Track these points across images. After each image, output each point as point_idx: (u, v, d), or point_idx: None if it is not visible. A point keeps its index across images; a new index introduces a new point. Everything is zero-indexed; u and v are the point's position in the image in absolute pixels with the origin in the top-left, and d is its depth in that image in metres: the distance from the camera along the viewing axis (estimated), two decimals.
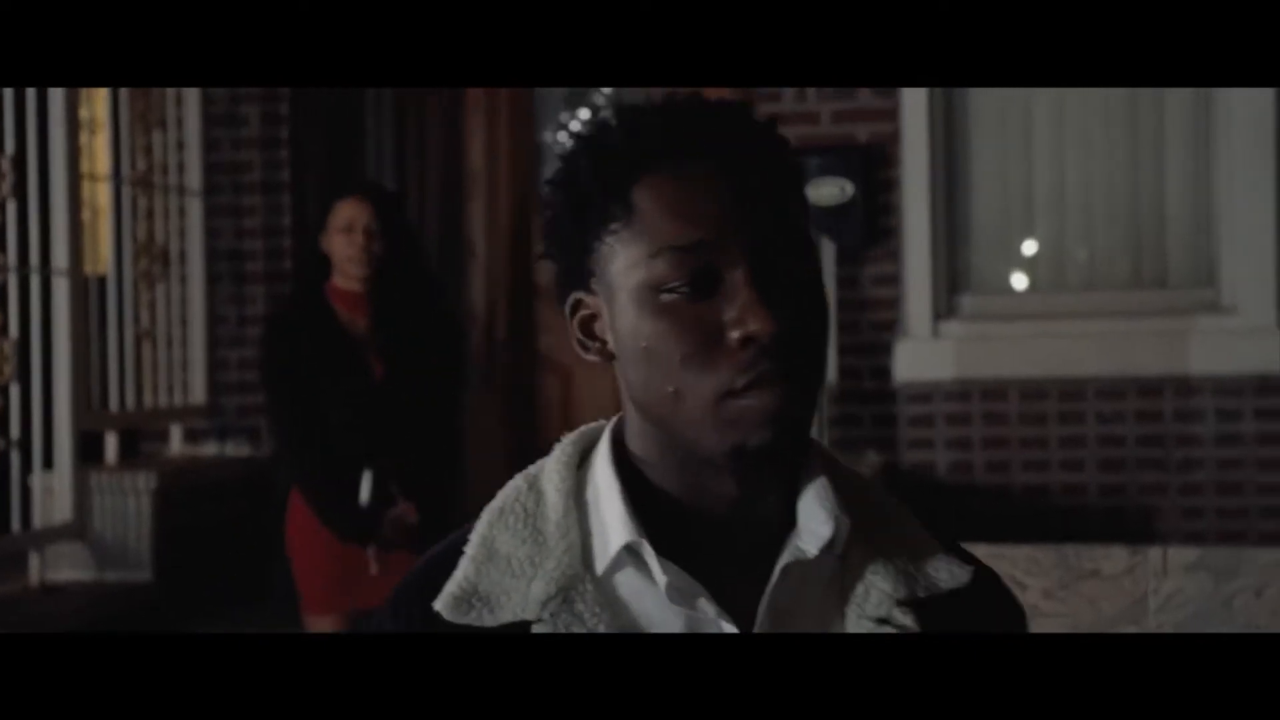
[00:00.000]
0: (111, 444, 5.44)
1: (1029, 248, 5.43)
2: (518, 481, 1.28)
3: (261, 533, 5.63)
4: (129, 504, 5.11)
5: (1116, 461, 5.16)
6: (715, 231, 1.17)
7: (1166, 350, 5.11)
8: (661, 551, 1.19)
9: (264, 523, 5.61)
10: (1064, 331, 5.21)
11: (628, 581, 1.21)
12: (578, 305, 1.26)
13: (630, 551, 1.20)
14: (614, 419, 1.29)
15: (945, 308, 5.30)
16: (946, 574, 1.25)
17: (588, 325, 1.25)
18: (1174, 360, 5.10)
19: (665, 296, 1.18)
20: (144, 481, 5.14)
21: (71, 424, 5.01)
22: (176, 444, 5.77)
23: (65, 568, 5.06)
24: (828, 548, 1.21)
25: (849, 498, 1.24)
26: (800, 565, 1.20)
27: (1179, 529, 5.03)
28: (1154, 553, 3.98)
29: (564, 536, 1.22)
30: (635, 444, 1.25)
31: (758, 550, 1.21)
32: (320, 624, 4.05)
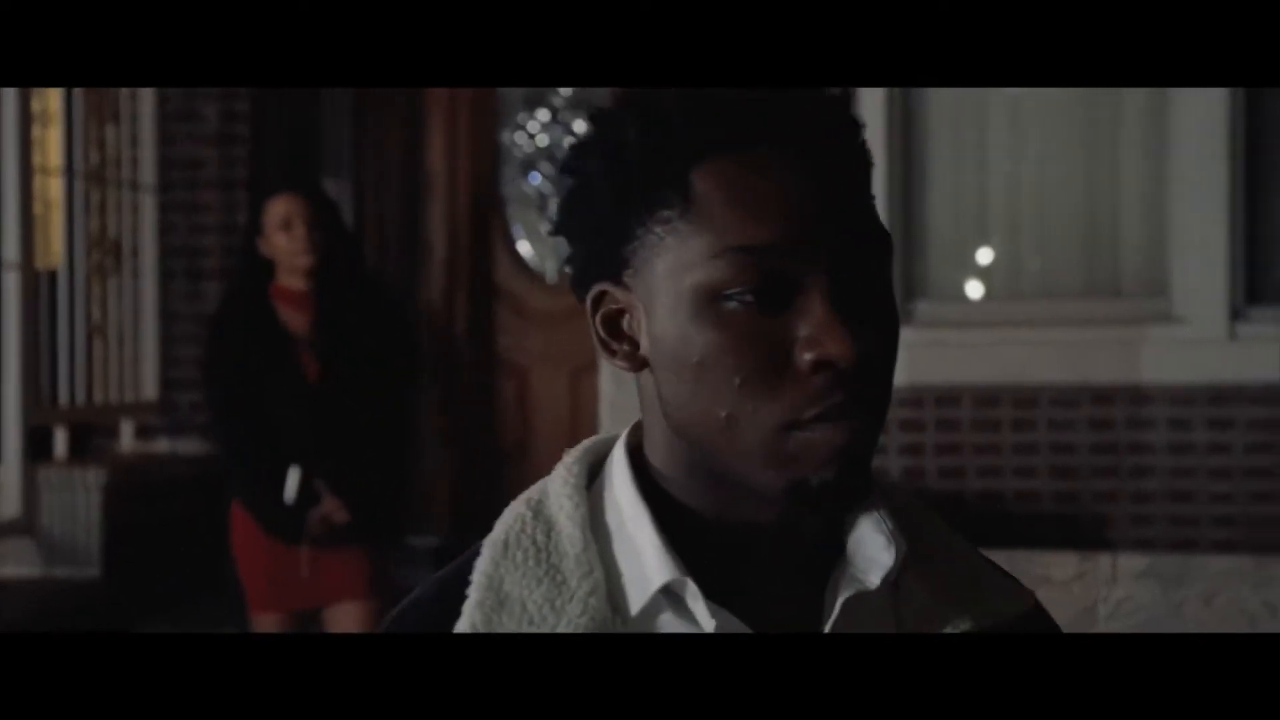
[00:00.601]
0: (61, 439, 5.39)
1: (983, 256, 5.46)
2: (519, 509, 1.10)
3: (212, 530, 5.60)
4: (78, 500, 5.07)
5: (1069, 469, 5.18)
6: (792, 233, 1.01)
7: (1119, 359, 5.14)
8: (701, 587, 1.03)
9: (215, 520, 5.58)
10: (1018, 339, 5.24)
11: (666, 625, 1.05)
12: (602, 298, 1.08)
13: (668, 592, 1.05)
14: (626, 431, 1.13)
15: (900, 314, 5.31)
16: (1006, 601, 1.12)
17: (614, 322, 1.08)
18: (1126, 369, 5.13)
19: (727, 305, 1.01)
20: (94, 477, 5.10)
21: (21, 419, 4.97)
22: (127, 440, 5.73)
23: (13, 564, 5.01)
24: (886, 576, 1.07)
25: (902, 522, 1.10)
26: (860, 598, 1.06)
27: (1130, 536, 5.06)
28: (1104, 560, 4.00)
29: (587, 575, 1.05)
30: (659, 459, 1.09)
31: (804, 580, 1.08)
32: (264, 622, 4.04)
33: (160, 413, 5.77)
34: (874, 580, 1.06)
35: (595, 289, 1.08)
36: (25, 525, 5.01)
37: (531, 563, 1.06)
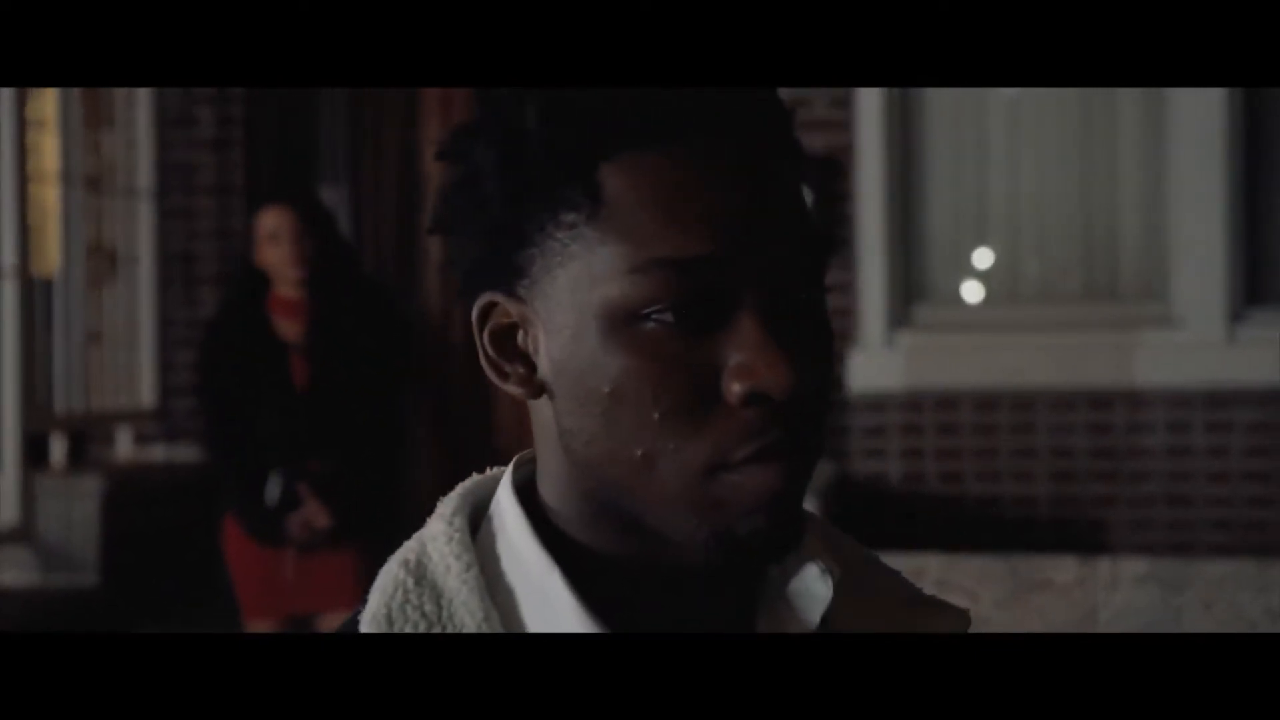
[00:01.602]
0: (59, 447, 5.38)
1: (982, 259, 5.45)
2: (397, 574, 0.93)
3: (210, 537, 5.59)
4: (76, 507, 5.06)
5: (1068, 472, 5.18)
6: (722, 242, 0.86)
7: (1117, 362, 5.14)
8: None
9: (212, 528, 5.57)
10: (1016, 343, 5.23)
11: None
12: (490, 311, 0.92)
13: None
14: (508, 468, 0.97)
15: (899, 318, 5.32)
16: (942, 622, 1.00)
17: (504, 340, 0.92)
18: (1125, 372, 5.13)
19: (644, 325, 0.86)
20: (91, 485, 5.09)
21: (18, 426, 4.96)
22: (125, 447, 5.72)
23: (10, 571, 5.00)
24: None
25: (829, 545, 0.98)
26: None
27: (1129, 540, 5.06)
28: (1104, 565, 4.00)
29: None
30: (555, 498, 0.93)
31: (728, 618, 0.95)
32: (257, 628, 4.05)
33: (157, 420, 5.76)
34: (814, 619, 0.94)
35: (483, 299, 0.92)
36: (23, 533, 5.00)
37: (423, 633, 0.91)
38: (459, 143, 0.91)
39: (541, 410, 0.93)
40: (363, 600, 0.97)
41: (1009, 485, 5.19)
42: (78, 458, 5.62)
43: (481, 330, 0.92)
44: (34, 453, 5.17)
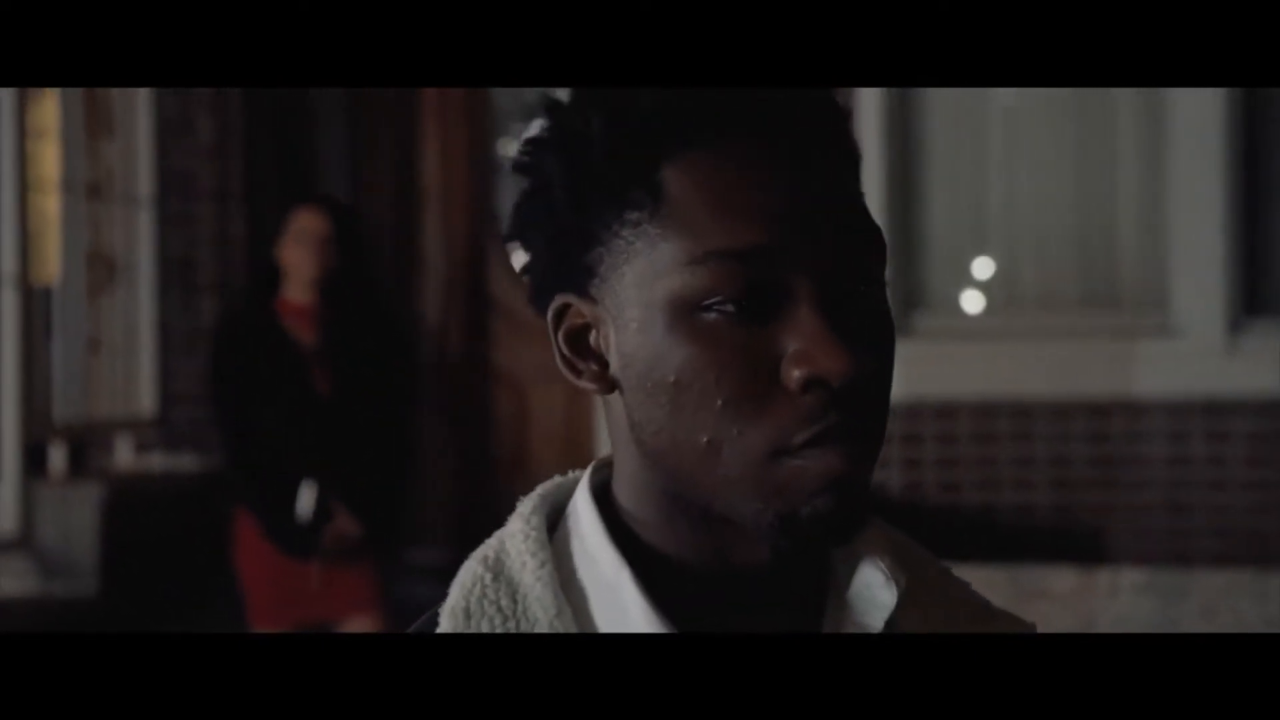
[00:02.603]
0: (58, 455, 5.38)
1: (981, 268, 5.46)
2: (476, 569, 0.97)
3: (210, 545, 5.58)
4: (76, 516, 5.06)
5: (1067, 481, 5.18)
6: (778, 234, 0.90)
7: (1117, 372, 5.14)
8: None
9: (212, 535, 5.56)
10: (1015, 352, 5.23)
11: None
12: (564, 312, 0.96)
13: None
14: (587, 470, 1.01)
15: (897, 326, 5.31)
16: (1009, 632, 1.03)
17: (578, 339, 0.96)
18: (1124, 382, 5.13)
19: (705, 316, 0.90)
20: (91, 493, 5.09)
21: (18, 435, 4.95)
22: (124, 455, 5.72)
23: (10, 580, 5.00)
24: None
25: (900, 556, 1.00)
26: None
27: (1128, 550, 5.06)
28: (1103, 574, 4.00)
29: None
30: (630, 500, 0.97)
31: (794, 623, 0.97)
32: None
33: (157, 428, 5.76)
34: (877, 624, 0.97)
35: (557, 302, 0.96)
36: (22, 541, 5.00)
37: (499, 633, 0.95)
38: (529, 154, 0.95)
39: (614, 406, 0.97)
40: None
41: (1008, 494, 5.20)
42: (77, 466, 5.61)
43: (557, 331, 0.96)
44: (33, 461, 5.17)
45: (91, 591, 5.02)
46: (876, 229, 0.95)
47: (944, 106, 5.35)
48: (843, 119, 0.96)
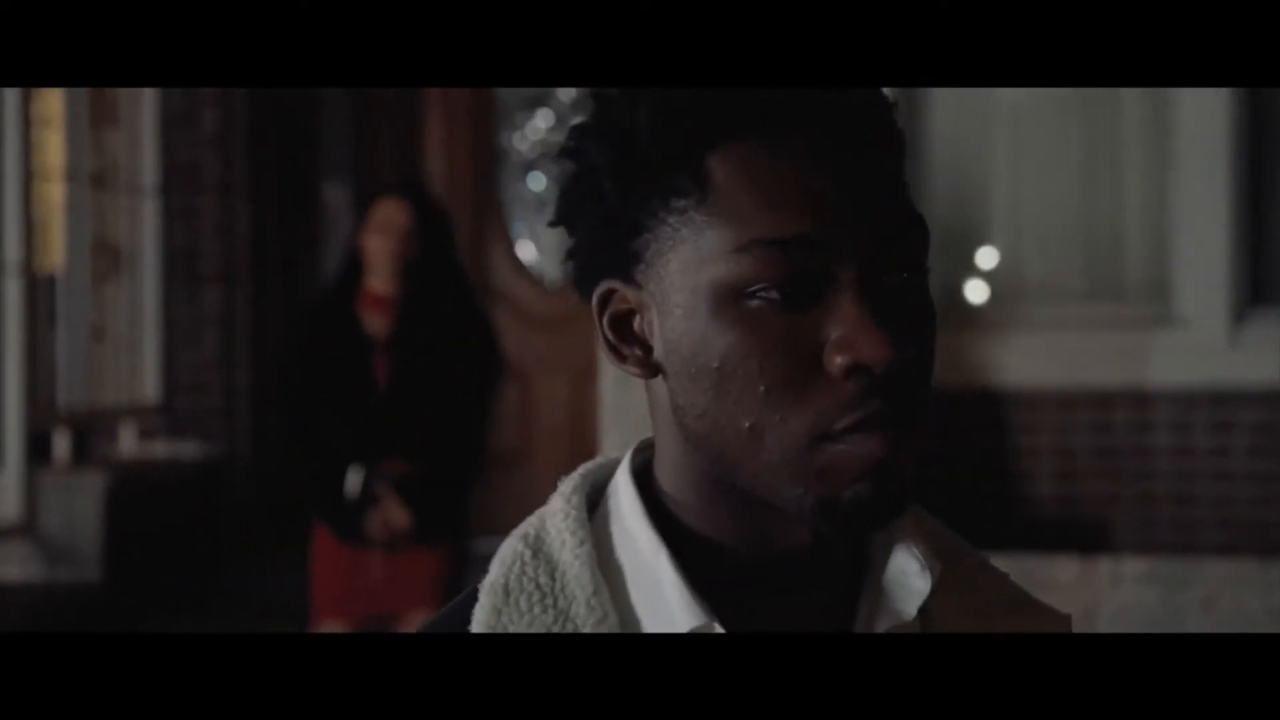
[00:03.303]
0: (62, 443, 5.39)
1: (986, 258, 5.46)
2: (516, 546, 0.98)
3: (213, 533, 5.59)
4: (79, 503, 5.07)
5: (1070, 472, 5.18)
6: (822, 223, 0.91)
7: (1121, 362, 5.14)
8: (727, 629, 0.95)
9: (215, 523, 5.58)
10: (1019, 342, 5.23)
11: None
12: (609, 297, 0.97)
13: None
14: (628, 453, 1.01)
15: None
16: (1043, 626, 1.03)
17: (622, 325, 0.97)
18: (1128, 372, 5.13)
19: (750, 303, 0.91)
20: (94, 481, 5.10)
21: (22, 422, 4.96)
22: (128, 443, 5.73)
23: (13, 567, 5.01)
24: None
25: (935, 545, 1.01)
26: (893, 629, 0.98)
27: (1132, 540, 5.06)
28: (1105, 563, 4.00)
29: (601, 621, 0.95)
30: (671, 483, 0.98)
31: (834, 613, 0.98)
32: (327, 629, 4.01)
33: (161, 416, 5.77)
34: (910, 611, 0.98)
35: (602, 287, 0.97)
36: (26, 528, 5.01)
37: (537, 609, 0.95)
38: (576, 141, 0.96)
39: (657, 390, 0.98)
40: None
41: (1012, 484, 5.20)
42: (81, 453, 5.63)
43: (601, 316, 0.97)
44: (37, 448, 5.18)
45: (94, 578, 5.03)
46: (919, 217, 0.97)
47: (948, 100, 5.34)
48: (887, 108, 0.96)
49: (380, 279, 4.00)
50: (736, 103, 0.93)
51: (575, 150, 0.97)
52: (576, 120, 0.98)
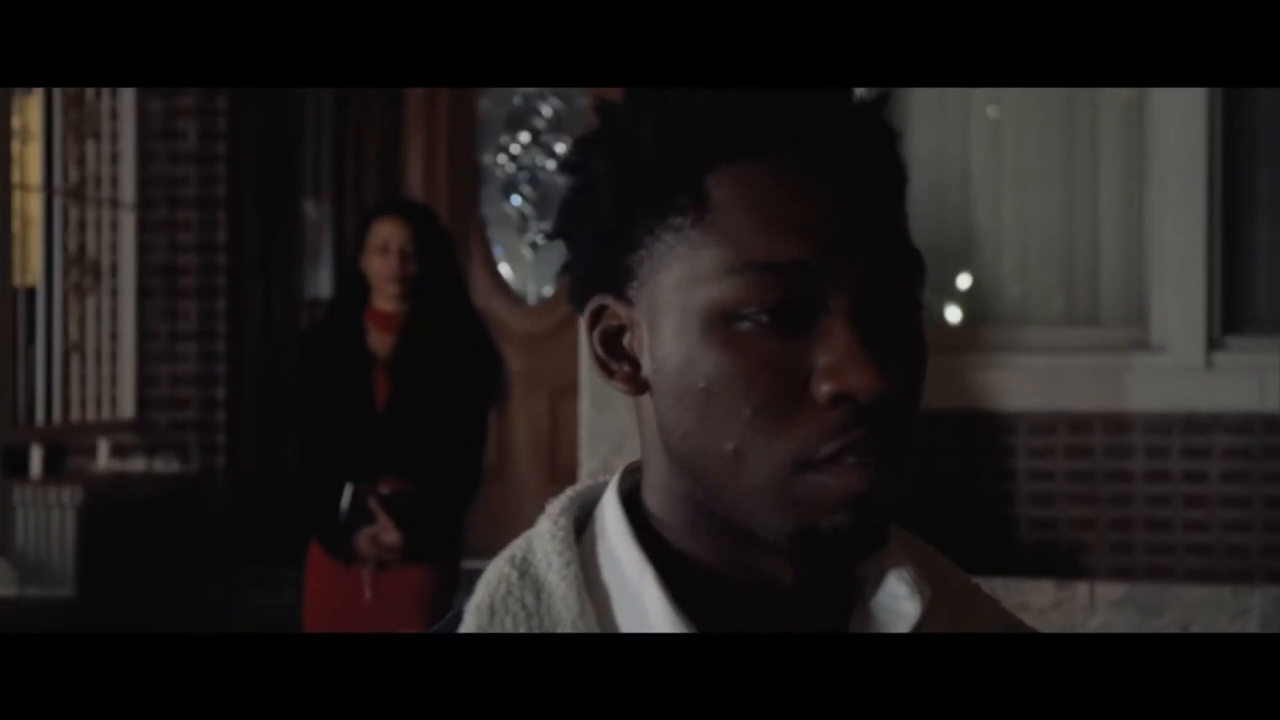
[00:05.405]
0: (37, 458, 5.36)
1: (963, 281, 5.47)
2: (502, 568, 0.98)
3: (187, 550, 5.57)
4: (53, 519, 5.04)
5: (1047, 496, 5.19)
6: (818, 250, 0.91)
7: (1097, 387, 5.16)
8: None
9: (190, 540, 5.55)
10: (996, 365, 5.25)
11: None
12: (601, 312, 0.97)
13: None
14: (616, 475, 1.01)
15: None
16: None
17: (613, 340, 0.97)
18: (1105, 397, 5.15)
19: (740, 325, 0.91)
20: (69, 496, 5.07)
21: None
22: (103, 459, 5.70)
23: None
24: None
25: (925, 570, 1.00)
26: None
27: (1107, 564, 5.07)
28: (1081, 588, 4.01)
29: None
30: (657, 504, 0.98)
31: (818, 630, 0.98)
32: None
33: (137, 432, 5.74)
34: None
35: (595, 302, 0.97)
36: (0, 544, 4.98)
37: (522, 630, 0.95)
38: (578, 153, 0.97)
39: (645, 408, 0.97)
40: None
41: (988, 508, 5.21)
42: (56, 469, 5.60)
43: (592, 330, 0.97)
44: (12, 463, 5.15)
45: (69, 594, 5.00)
46: (917, 252, 0.96)
47: (926, 122, 5.36)
48: (891, 138, 0.97)
49: (385, 298, 4.02)
50: (739, 121, 0.92)
51: (578, 163, 0.96)
52: (581, 134, 0.98)
